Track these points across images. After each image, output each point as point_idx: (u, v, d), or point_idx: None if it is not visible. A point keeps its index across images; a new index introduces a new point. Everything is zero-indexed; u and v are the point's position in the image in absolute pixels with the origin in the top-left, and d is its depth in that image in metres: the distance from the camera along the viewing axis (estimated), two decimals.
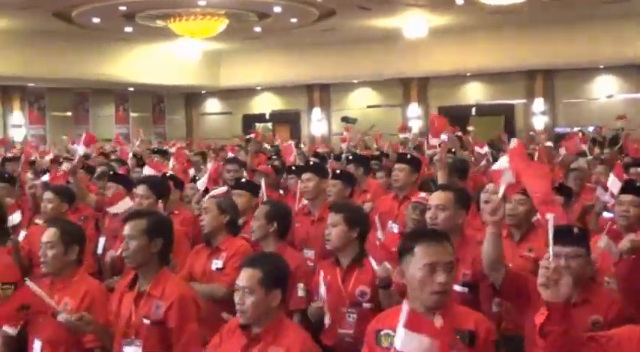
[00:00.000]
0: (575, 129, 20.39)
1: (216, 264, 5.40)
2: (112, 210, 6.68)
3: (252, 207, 6.53)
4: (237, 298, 3.69)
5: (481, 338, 3.28)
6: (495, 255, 3.96)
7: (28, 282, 4.26)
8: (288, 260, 4.14)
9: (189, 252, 5.74)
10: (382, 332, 3.44)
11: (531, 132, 20.91)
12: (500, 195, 3.85)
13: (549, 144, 14.16)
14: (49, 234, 4.50)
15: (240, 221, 6.36)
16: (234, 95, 28.49)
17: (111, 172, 8.61)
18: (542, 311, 2.94)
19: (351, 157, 9.44)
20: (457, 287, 4.43)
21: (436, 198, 4.93)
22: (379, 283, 4.52)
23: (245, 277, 3.69)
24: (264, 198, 6.43)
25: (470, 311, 3.42)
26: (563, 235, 3.75)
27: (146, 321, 4.08)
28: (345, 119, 23.15)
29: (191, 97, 29.70)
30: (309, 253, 5.95)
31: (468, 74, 24.53)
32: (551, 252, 2.93)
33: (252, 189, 6.77)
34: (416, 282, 3.31)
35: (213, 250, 5.50)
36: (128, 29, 20.74)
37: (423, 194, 5.80)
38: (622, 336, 3.07)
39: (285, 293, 3.83)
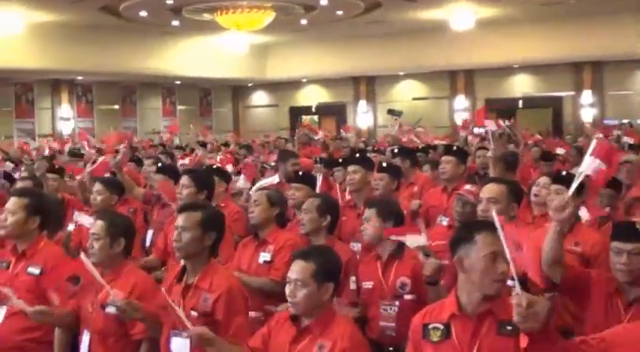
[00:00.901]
0: (624, 121, 20.17)
1: (264, 256, 5.42)
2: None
3: None
4: (288, 290, 3.69)
5: None
6: (557, 253, 3.90)
7: (83, 256, 4.30)
8: (339, 253, 4.12)
9: (233, 245, 5.76)
10: (430, 326, 3.41)
11: (587, 124, 20.74)
12: (570, 192, 3.77)
13: (600, 136, 13.98)
14: (96, 226, 4.55)
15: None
16: (280, 88, 28.54)
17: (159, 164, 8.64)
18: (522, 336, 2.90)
19: (396, 150, 9.39)
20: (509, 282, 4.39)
21: (488, 190, 4.89)
22: (427, 279, 4.48)
23: (297, 270, 3.69)
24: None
25: None
26: (625, 232, 3.70)
27: (194, 313, 4.07)
28: (390, 111, 23.11)
29: (238, 90, 29.80)
30: (356, 246, 5.92)
31: (515, 66, 24.29)
32: (517, 288, 2.87)
33: (311, 182, 6.77)
34: (477, 271, 3.29)
35: (260, 242, 5.52)
36: (175, 23, 20.84)
37: (468, 186, 5.75)
38: (614, 337, 3.08)
39: (337, 287, 3.81)
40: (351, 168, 6.80)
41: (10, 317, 4.77)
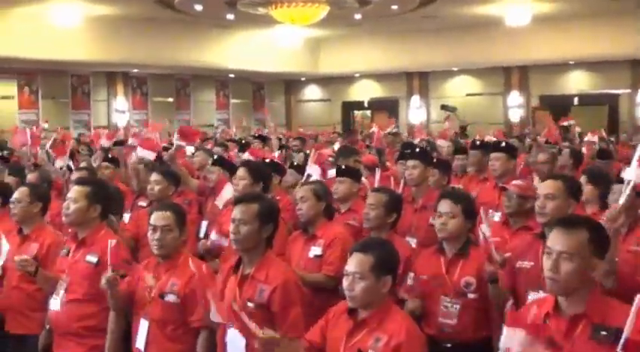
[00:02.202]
0: None
1: (315, 251, 5.44)
2: (218, 202, 6.75)
3: (354, 194, 6.53)
4: (346, 283, 3.68)
5: (630, 340, 2.98)
6: (611, 264, 3.84)
7: None
8: (400, 249, 4.11)
9: (286, 238, 5.78)
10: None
11: None
12: (621, 201, 3.72)
13: None
14: (166, 217, 4.58)
15: (345, 207, 6.38)
16: (333, 82, 28.51)
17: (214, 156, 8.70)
18: None
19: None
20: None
21: (545, 186, 4.79)
22: (488, 277, 4.45)
23: (356, 263, 3.68)
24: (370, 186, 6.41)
25: (625, 308, 3.12)
26: None
27: (250, 305, 4.10)
28: (444, 107, 23.03)
29: (291, 84, 29.84)
30: (412, 241, 5.91)
31: (571, 62, 23.93)
32: None
33: (354, 175, 6.77)
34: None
35: (310, 237, 5.53)
36: (230, 16, 20.90)
37: (516, 181, 5.71)
38: None
39: (395, 280, 3.80)
40: (410, 162, 6.79)
41: (68, 304, 4.85)
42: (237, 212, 4.26)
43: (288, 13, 18.33)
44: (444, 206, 4.90)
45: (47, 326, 5.16)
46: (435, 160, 7.31)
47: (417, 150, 7.93)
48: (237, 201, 4.43)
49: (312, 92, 29.73)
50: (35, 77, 22.44)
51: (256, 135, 15.16)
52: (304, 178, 7.20)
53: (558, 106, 21.80)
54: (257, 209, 4.23)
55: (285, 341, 3.73)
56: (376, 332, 3.62)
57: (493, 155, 7.17)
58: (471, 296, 4.71)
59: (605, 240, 3.30)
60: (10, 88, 22.12)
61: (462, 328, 4.68)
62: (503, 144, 7.53)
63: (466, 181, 8.28)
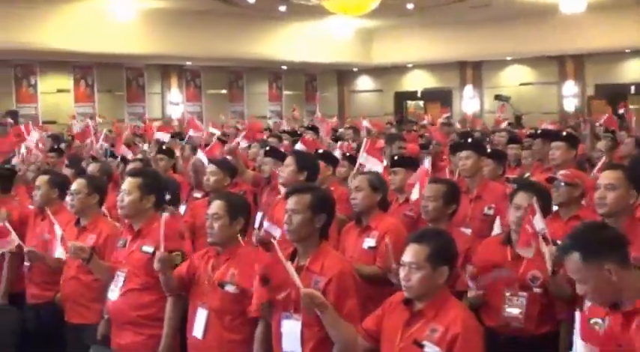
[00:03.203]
0: None
1: (368, 242, 5.41)
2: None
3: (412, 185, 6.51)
4: (402, 274, 3.68)
5: None
6: None
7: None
8: (459, 240, 4.08)
9: (335, 227, 5.75)
10: (592, 321, 3.32)
11: None
12: None
13: None
14: (216, 206, 4.61)
15: (402, 198, 6.36)
16: (385, 73, 28.41)
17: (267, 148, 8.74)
18: None
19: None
20: None
21: (605, 177, 4.65)
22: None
23: (412, 253, 3.67)
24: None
25: None
26: None
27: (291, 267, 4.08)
28: (498, 97, 22.82)
29: (343, 75, 29.80)
30: (467, 232, 5.87)
31: (627, 51, 23.56)
32: None
33: (410, 165, 6.74)
34: None
35: (363, 228, 5.50)
36: (282, 8, 20.94)
37: (564, 171, 5.62)
38: None
39: (452, 271, 3.78)
40: (463, 153, 6.73)
41: (126, 293, 4.92)
42: (290, 202, 4.26)
43: (341, 3, 18.28)
44: (519, 198, 4.83)
45: (105, 316, 5.23)
46: (489, 150, 7.25)
47: (470, 140, 7.86)
48: (290, 191, 4.42)
49: (365, 83, 29.66)
50: (91, 71, 22.75)
51: (309, 126, 15.17)
52: (355, 169, 7.18)
53: (614, 95, 21.48)
54: (309, 199, 4.22)
55: (332, 310, 3.86)
56: (432, 322, 3.61)
57: (554, 144, 7.09)
58: (536, 290, 4.63)
59: None
60: (67, 82, 22.45)
61: (526, 321, 4.63)
62: (564, 133, 7.45)
63: (530, 171, 8.21)
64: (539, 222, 4.38)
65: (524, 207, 4.67)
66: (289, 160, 6.36)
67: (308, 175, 6.23)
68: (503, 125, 14.58)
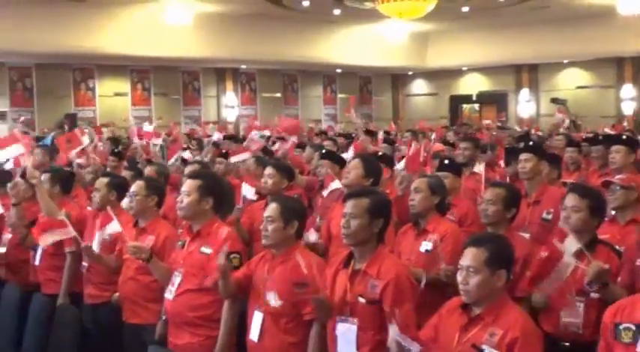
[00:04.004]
0: None
1: (426, 245, 5.36)
2: (326, 192, 6.79)
3: (456, 189, 6.47)
4: (460, 278, 3.66)
5: None
6: None
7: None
8: (519, 246, 4.04)
9: (393, 231, 5.74)
10: (622, 327, 3.29)
11: None
12: None
13: None
14: (271, 208, 4.61)
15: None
16: (440, 76, 28.31)
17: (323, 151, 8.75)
18: None
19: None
20: None
21: None
22: (593, 285, 4.34)
23: (470, 257, 3.66)
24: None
25: None
26: None
27: (361, 300, 4.08)
28: (554, 100, 22.56)
29: (398, 78, 29.76)
30: (525, 236, 5.81)
31: None
32: None
33: (456, 170, 6.70)
34: None
35: (421, 231, 5.46)
36: (337, 11, 21.00)
37: (621, 175, 5.55)
38: None
39: (510, 274, 3.75)
40: (523, 156, 6.66)
41: (183, 294, 4.95)
42: (348, 206, 4.24)
43: (395, 7, 18.27)
44: (570, 200, 4.78)
45: (163, 317, 5.28)
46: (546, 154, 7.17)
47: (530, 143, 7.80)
48: (348, 195, 4.40)
49: (420, 86, 29.59)
50: (148, 74, 23.05)
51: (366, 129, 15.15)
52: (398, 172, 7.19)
53: None
54: (367, 203, 4.20)
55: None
56: (491, 327, 3.59)
57: (614, 148, 7.03)
58: (594, 295, 4.54)
59: None
60: (124, 85, 22.77)
61: (585, 328, 4.56)
62: (624, 136, 7.38)
63: (588, 176, 8.12)
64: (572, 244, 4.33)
65: (573, 208, 4.68)
66: (356, 163, 6.29)
67: (373, 182, 6.22)
68: (562, 129, 14.41)
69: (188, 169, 7.62)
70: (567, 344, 4.61)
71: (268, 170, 6.90)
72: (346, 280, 4.20)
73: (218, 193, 5.22)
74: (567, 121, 15.89)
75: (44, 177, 6.98)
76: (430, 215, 5.49)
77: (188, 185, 5.13)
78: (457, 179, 6.58)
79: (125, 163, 9.31)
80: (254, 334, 4.55)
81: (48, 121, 19.77)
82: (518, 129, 16.54)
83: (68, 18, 18.04)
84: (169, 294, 5.03)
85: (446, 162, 6.92)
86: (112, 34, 18.98)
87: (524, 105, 26.50)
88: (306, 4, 19.78)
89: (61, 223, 5.94)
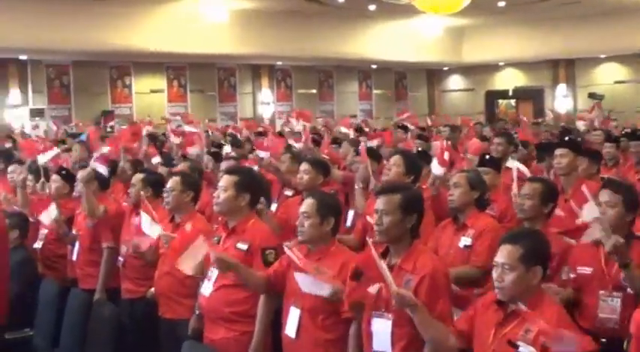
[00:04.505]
0: None
1: (465, 241, 5.34)
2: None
3: (496, 185, 6.43)
4: (495, 274, 3.64)
5: None
6: None
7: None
8: (555, 241, 4.01)
9: (432, 226, 5.72)
10: None
11: None
12: None
13: None
14: (307, 204, 4.61)
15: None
16: (476, 71, 28.15)
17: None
18: None
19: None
20: None
21: None
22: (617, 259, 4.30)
23: (505, 253, 3.64)
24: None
25: None
26: None
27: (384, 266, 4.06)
28: (592, 95, 22.35)
29: (433, 74, 29.62)
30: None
31: None
32: None
33: (497, 166, 6.66)
34: None
35: (460, 226, 5.43)
36: (372, 7, 20.95)
37: None
38: None
39: (546, 271, 3.73)
40: (558, 151, 6.62)
41: (218, 289, 4.97)
42: (379, 203, 4.21)
43: (431, 2, 18.18)
44: (604, 195, 4.74)
45: (197, 312, 5.30)
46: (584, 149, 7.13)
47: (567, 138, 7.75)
48: (379, 191, 4.38)
49: (455, 82, 29.44)
50: (184, 71, 23.13)
51: (399, 124, 15.15)
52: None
53: None
54: (399, 199, 4.17)
55: (423, 309, 3.78)
56: (527, 323, 3.55)
57: None
58: (630, 291, 4.50)
59: None
60: (160, 82, 22.87)
61: (622, 323, 4.50)
62: None
63: (624, 171, 8.06)
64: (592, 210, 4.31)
65: (608, 203, 4.64)
66: (398, 160, 6.27)
67: (414, 179, 6.20)
68: (596, 123, 14.27)
69: (224, 165, 7.66)
70: (604, 340, 4.55)
71: (304, 166, 6.90)
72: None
73: (255, 189, 5.23)
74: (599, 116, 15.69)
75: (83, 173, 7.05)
76: (469, 210, 5.47)
77: (225, 181, 5.15)
78: (497, 175, 6.53)
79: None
80: (290, 330, 4.55)
81: (85, 118, 19.91)
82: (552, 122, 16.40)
83: (105, 16, 18.14)
84: (205, 290, 5.05)
85: (487, 157, 6.89)
86: (149, 32, 19.08)
87: (561, 101, 26.28)
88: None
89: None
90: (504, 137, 9.05)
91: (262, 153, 8.22)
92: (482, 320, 3.76)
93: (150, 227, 5.77)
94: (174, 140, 11.55)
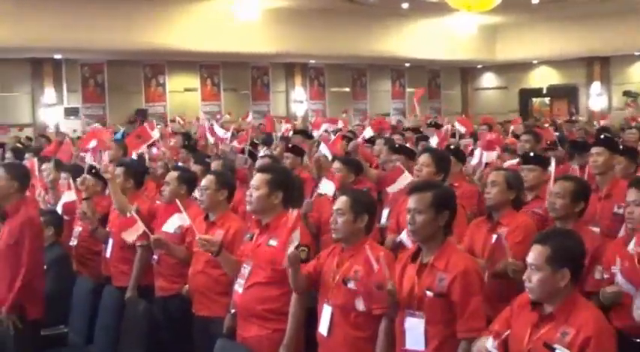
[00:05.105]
0: None
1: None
2: (390, 189, 6.78)
3: (542, 182, 6.39)
4: (525, 274, 3.63)
5: None
6: None
7: None
8: (588, 240, 3.97)
9: (465, 225, 5.69)
10: None
11: None
12: None
13: None
14: (341, 201, 4.61)
15: (531, 195, 6.25)
16: (510, 69, 28.05)
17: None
18: None
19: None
20: None
21: None
22: None
23: (534, 254, 3.62)
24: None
25: None
26: None
27: (429, 293, 4.05)
28: (627, 93, 22.18)
29: (466, 72, 29.55)
30: (595, 230, 5.72)
31: None
32: None
33: (543, 163, 6.61)
34: None
35: (494, 224, 5.40)
36: (405, 5, 20.94)
37: None
38: None
39: (578, 273, 3.69)
40: (594, 149, 6.57)
41: (251, 286, 4.98)
42: (411, 201, 4.21)
43: (464, 0, 18.13)
44: (632, 195, 4.72)
45: (232, 310, 5.32)
46: (621, 147, 7.05)
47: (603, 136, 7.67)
48: (410, 190, 4.36)
49: (489, 80, 29.35)
50: (217, 70, 23.25)
51: (432, 122, 15.07)
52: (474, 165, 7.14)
53: None
54: (431, 197, 4.16)
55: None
56: (563, 325, 3.53)
57: None
58: None
59: None
60: (194, 81, 23.01)
61: None
62: None
63: None
64: None
65: (635, 202, 4.65)
66: (427, 159, 6.25)
67: (444, 177, 6.19)
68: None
69: (258, 163, 7.68)
70: (638, 340, 4.53)
71: (336, 164, 6.91)
72: (414, 274, 4.17)
73: (287, 187, 5.23)
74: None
75: (118, 170, 7.10)
76: (505, 209, 5.44)
77: (258, 178, 5.15)
78: (543, 172, 6.48)
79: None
80: (323, 328, 4.56)
81: (119, 117, 20.07)
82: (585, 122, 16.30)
83: (139, 15, 18.30)
84: (239, 287, 5.06)
85: (531, 154, 6.85)
86: (182, 31, 19.21)
87: (595, 99, 26.09)
88: None
89: (132, 220, 6.03)
90: (531, 135, 9.01)
91: (325, 151, 8.22)
92: (518, 321, 3.74)
93: (178, 221, 5.84)
94: (210, 139, 11.60)
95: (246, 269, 5.03)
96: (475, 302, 4.00)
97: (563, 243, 3.66)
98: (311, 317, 4.80)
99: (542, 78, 27.82)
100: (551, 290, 3.58)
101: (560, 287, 3.58)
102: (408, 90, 27.88)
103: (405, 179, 6.58)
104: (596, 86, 26.27)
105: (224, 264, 5.32)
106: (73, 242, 7.35)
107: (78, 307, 6.65)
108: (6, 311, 5.85)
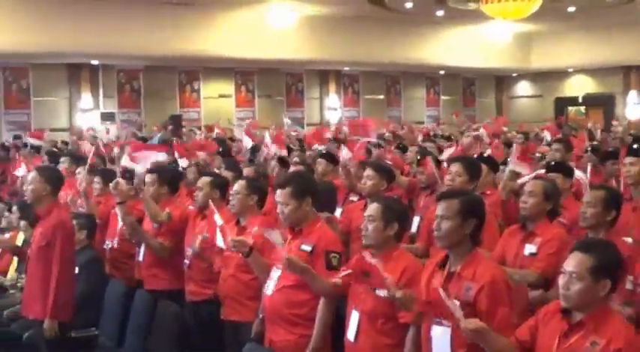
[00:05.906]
0: None
1: (530, 248, 5.26)
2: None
3: (566, 190, 6.35)
4: (561, 282, 3.58)
5: None
6: None
7: None
8: (620, 249, 3.94)
9: (497, 233, 5.67)
10: None
11: None
12: None
13: None
14: (372, 208, 4.62)
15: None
16: (545, 78, 27.86)
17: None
18: None
19: None
20: None
21: None
22: None
23: (575, 262, 3.56)
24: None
25: None
26: None
27: (456, 302, 4.00)
28: None
29: (501, 80, 29.41)
30: (628, 241, 5.68)
31: None
32: None
33: (566, 171, 6.58)
34: None
35: (527, 234, 5.36)
36: (440, 13, 20.90)
37: None
38: None
39: (616, 284, 3.63)
40: (627, 159, 6.48)
41: (280, 290, 5.00)
42: (439, 208, 4.18)
43: (500, 7, 18.08)
44: None
45: (260, 315, 5.35)
46: None
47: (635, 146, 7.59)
48: (439, 197, 4.35)
49: (524, 88, 29.19)
50: (252, 76, 23.35)
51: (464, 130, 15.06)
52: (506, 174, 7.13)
53: None
54: (458, 204, 4.13)
55: (492, 335, 3.69)
56: (592, 335, 3.49)
57: None
58: None
59: None
60: (229, 87, 23.12)
61: None
62: None
63: None
64: None
65: None
66: (460, 170, 6.26)
67: (475, 183, 6.18)
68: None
69: (290, 171, 7.71)
70: None
71: (367, 171, 6.91)
72: (441, 282, 4.12)
73: (313, 192, 5.26)
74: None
75: (151, 177, 7.16)
76: (540, 219, 5.39)
77: (281, 196, 5.15)
78: (567, 180, 6.45)
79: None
80: (350, 334, 4.57)
81: (154, 122, 20.23)
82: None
83: (175, 22, 18.45)
84: (268, 290, 5.09)
85: (552, 163, 6.82)
86: (218, 37, 19.33)
87: (632, 108, 25.85)
88: (408, 5, 19.75)
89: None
90: (561, 143, 8.97)
91: (346, 152, 8.25)
92: (546, 330, 3.70)
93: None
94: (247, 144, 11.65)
95: (276, 273, 5.06)
96: (502, 313, 3.94)
97: (606, 254, 3.61)
98: (341, 325, 4.81)
99: (578, 86, 27.61)
100: (590, 300, 3.54)
101: (599, 297, 3.55)
102: (443, 97, 27.83)
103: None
104: (633, 95, 26.02)
105: (254, 266, 5.36)
106: (107, 245, 7.43)
107: (109, 310, 6.71)
108: (49, 317, 5.93)
